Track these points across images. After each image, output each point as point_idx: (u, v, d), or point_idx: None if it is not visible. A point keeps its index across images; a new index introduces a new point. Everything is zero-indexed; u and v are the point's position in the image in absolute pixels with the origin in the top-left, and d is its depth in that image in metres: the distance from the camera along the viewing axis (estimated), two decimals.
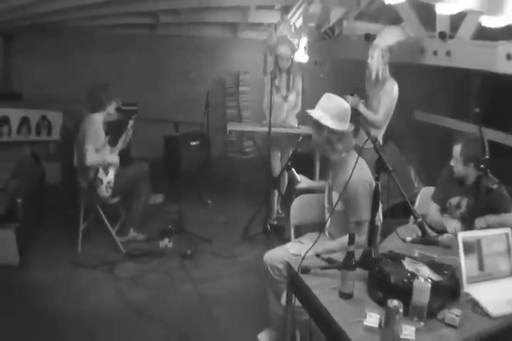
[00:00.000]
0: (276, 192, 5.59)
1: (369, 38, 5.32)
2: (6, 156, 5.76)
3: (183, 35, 7.46)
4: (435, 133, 6.48)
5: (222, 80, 7.97)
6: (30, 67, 6.90)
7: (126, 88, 6.73)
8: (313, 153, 6.75)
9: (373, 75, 4.55)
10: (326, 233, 3.35)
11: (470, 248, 2.51)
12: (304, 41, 6.55)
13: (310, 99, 6.09)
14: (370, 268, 2.35)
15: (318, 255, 2.59)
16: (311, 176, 7.01)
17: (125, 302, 4.00)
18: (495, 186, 3.02)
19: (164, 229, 5.19)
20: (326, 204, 3.37)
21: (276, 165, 5.57)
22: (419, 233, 2.68)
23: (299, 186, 3.65)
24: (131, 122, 4.87)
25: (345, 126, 3.12)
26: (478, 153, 3.05)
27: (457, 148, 3.35)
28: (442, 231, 3.32)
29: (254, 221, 5.37)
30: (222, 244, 5.14)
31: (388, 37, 4.50)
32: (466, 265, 2.46)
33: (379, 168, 2.39)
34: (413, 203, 5.45)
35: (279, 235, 5.30)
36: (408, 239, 2.25)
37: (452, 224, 3.27)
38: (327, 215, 3.34)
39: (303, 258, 2.52)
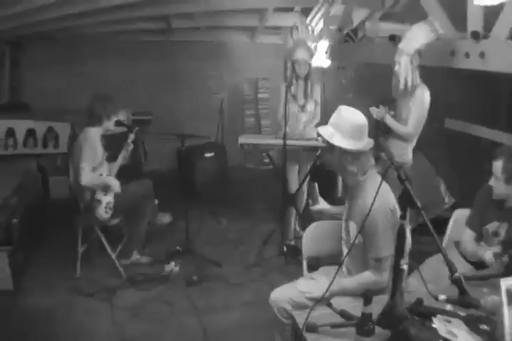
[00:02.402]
0: (293, 210, 5.12)
1: (394, 38, 4.87)
2: (11, 170, 5.50)
3: (198, 40, 7.12)
4: (466, 142, 5.97)
5: (240, 87, 7.56)
6: (38, 76, 6.67)
7: (138, 97, 6.54)
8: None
9: (401, 84, 4.11)
10: (343, 268, 2.89)
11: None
12: (325, 45, 6.14)
13: (332, 108, 5.72)
14: (391, 328, 1.88)
15: (330, 305, 2.13)
16: (333, 193, 6.62)
17: (121, 336, 3.62)
18: None
19: (171, 251, 4.77)
20: (343, 235, 2.90)
21: (293, 181, 5.10)
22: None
23: (313, 208, 3.19)
24: (131, 136, 4.47)
25: (361, 145, 2.67)
26: None
27: (498, 164, 2.86)
28: (478, 264, 2.88)
29: (269, 241, 4.92)
30: (233, 268, 4.69)
31: (415, 38, 4.03)
32: (509, 318, 1.97)
33: (405, 203, 1.91)
34: (444, 221, 5.01)
35: (296, 257, 4.85)
36: (442, 297, 1.77)
37: (489, 254, 2.79)
38: (344, 248, 2.90)
39: (311, 310, 2.07)
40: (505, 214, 2.97)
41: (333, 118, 2.72)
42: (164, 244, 5.04)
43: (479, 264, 2.93)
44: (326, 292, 2.43)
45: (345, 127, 2.64)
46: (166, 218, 5.54)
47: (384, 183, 2.70)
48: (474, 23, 3.97)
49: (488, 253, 2.80)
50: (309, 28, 5.18)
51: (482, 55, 3.89)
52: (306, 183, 5.08)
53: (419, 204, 1.86)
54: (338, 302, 2.23)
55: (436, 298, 1.80)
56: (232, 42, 7.28)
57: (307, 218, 4.98)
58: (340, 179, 6.46)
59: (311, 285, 2.80)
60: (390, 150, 2.08)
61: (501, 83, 5.76)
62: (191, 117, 7.07)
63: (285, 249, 4.75)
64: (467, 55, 4.06)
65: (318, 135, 2.75)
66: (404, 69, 4.05)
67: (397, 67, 4.11)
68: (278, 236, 4.90)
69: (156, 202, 5.26)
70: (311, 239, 3.19)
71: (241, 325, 3.79)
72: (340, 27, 6.08)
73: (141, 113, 6.37)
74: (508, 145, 3.58)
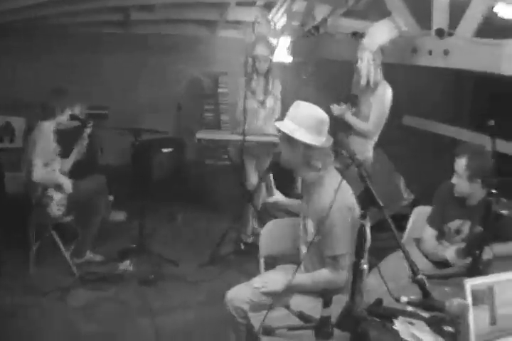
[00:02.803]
0: (251, 207, 5.02)
1: (356, 35, 4.81)
2: None
3: (158, 33, 6.88)
4: (426, 139, 5.98)
5: (199, 82, 7.40)
6: None
7: (95, 90, 6.30)
8: None
9: (363, 80, 4.07)
10: (302, 266, 2.81)
11: (480, 298, 1.98)
12: (287, 40, 6.07)
13: (290, 104, 5.64)
14: (351, 330, 1.80)
15: (288, 306, 2.05)
16: (291, 190, 6.52)
17: (74, 337, 3.50)
18: (506, 211, 2.53)
19: (125, 249, 4.62)
20: (301, 233, 2.81)
21: (252, 177, 5.02)
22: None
23: (268, 199, 3.10)
24: (87, 131, 4.31)
25: (323, 140, 2.59)
26: (487, 167, 2.70)
27: (461, 162, 2.84)
28: (440, 262, 2.86)
29: (226, 239, 4.79)
30: (189, 266, 4.57)
31: (378, 35, 3.99)
32: (475, 320, 1.92)
33: (366, 202, 1.83)
34: (403, 218, 4.98)
35: (254, 255, 4.77)
36: (404, 299, 1.69)
37: (451, 252, 2.78)
38: (301, 245, 2.81)
39: (267, 312, 1.98)
40: (467, 211, 2.95)
41: (292, 113, 2.63)
42: (118, 242, 4.88)
43: (440, 262, 2.90)
44: (282, 287, 2.42)
45: (308, 122, 2.56)
46: (119, 215, 5.38)
47: (342, 180, 2.66)
48: (439, 20, 3.93)
49: (449, 251, 2.77)
50: (271, 23, 5.09)
51: (446, 52, 3.86)
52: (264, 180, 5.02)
53: (380, 202, 1.78)
54: (297, 304, 2.14)
55: (398, 300, 1.72)
56: (193, 36, 7.09)
57: (265, 215, 4.94)
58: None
59: (266, 280, 2.73)
60: (351, 147, 1.98)
61: (462, 80, 5.77)
62: (149, 111, 6.83)
63: (242, 246, 4.65)
64: (430, 53, 4.03)
65: (279, 131, 2.64)
66: (367, 65, 4.01)
67: (359, 63, 4.06)
68: (235, 233, 4.82)
69: (111, 198, 5.11)
70: (269, 237, 3.09)
71: (196, 324, 3.69)
72: (303, 23, 6.01)
73: (97, 107, 6.17)
74: (471, 143, 3.56)
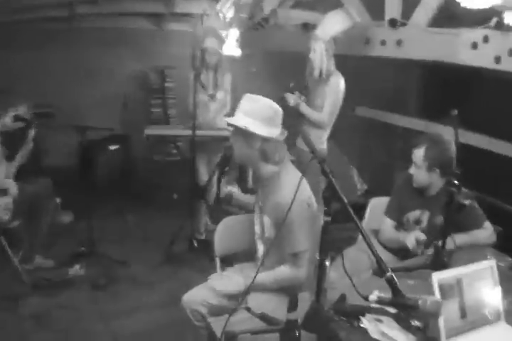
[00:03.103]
0: (203, 203, 4.91)
1: (307, 26, 4.75)
2: None
3: (103, 27, 6.68)
4: (378, 130, 5.95)
5: (146, 76, 7.20)
6: None
7: (40, 88, 6.05)
8: None
9: (316, 71, 4.00)
10: (258, 263, 2.71)
11: (449, 291, 1.92)
12: (236, 33, 5.94)
13: (240, 97, 5.51)
14: (318, 332, 1.70)
15: (248, 309, 1.93)
16: (243, 183, 6.41)
17: None
18: (468, 201, 2.48)
19: (75, 253, 4.44)
20: (257, 229, 2.70)
21: (203, 172, 4.89)
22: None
23: (222, 191, 2.98)
24: (32, 132, 4.11)
25: (278, 133, 2.50)
26: (446, 156, 2.68)
27: (419, 152, 2.81)
28: (400, 253, 2.82)
29: (178, 237, 4.64)
30: (141, 267, 4.40)
31: (331, 25, 3.93)
32: (444, 314, 1.84)
33: (329, 198, 1.73)
34: (356, 208, 4.93)
35: (208, 252, 4.65)
36: (372, 297, 1.59)
37: (411, 238, 2.71)
38: (258, 242, 2.71)
39: (229, 317, 1.86)
40: (426, 202, 2.92)
41: (244, 106, 2.50)
42: (68, 244, 4.67)
43: (401, 254, 2.84)
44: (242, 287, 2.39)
45: (262, 114, 2.44)
46: (66, 217, 5.19)
47: (296, 172, 2.56)
48: (392, 10, 3.92)
49: (410, 238, 2.70)
50: (220, 15, 4.95)
51: (399, 42, 3.83)
52: (216, 175, 4.90)
53: (345, 199, 1.69)
54: (257, 305, 2.03)
55: (366, 299, 1.62)
56: (139, 30, 6.94)
57: (218, 211, 4.82)
58: (251, 171, 6.34)
59: (224, 281, 2.61)
60: (312, 142, 1.87)
61: (414, 70, 5.75)
62: (96, 108, 6.61)
63: (195, 243, 4.53)
64: (383, 43, 3.99)
65: (230, 125, 2.52)
66: (319, 56, 3.94)
67: (311, 54, 3.99)
68: (188, 230, 4.66)
69: (58, 200, 4.90)
70: (224, 235, 2.96)
71: (154, 327, 3.55)
72: (251, 15, 5.90)
73: (42, 105, 5.90)
74: (429, 133, 3.51)
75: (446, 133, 2.85)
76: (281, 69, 5.68)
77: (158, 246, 4.67)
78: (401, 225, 3.02)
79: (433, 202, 2.86)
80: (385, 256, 2.98)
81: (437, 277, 1.91)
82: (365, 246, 1.75)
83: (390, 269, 1.57)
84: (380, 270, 1.57)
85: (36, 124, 4.19)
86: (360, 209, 4.92)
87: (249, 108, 2.48)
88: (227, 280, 2.61)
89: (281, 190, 2.40)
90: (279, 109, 2.51)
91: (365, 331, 1.78)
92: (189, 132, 4.36)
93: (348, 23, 3.94)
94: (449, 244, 2.58)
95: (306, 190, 2.49)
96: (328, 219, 1.70)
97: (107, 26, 6.70)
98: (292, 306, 1.69)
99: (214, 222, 5.07)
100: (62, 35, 6.46)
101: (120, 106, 6.41)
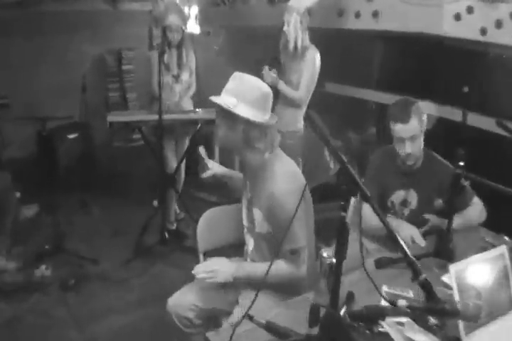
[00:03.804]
0: (173, 191, 4.63)
1: (273, 0, 4.48)
2: None
3: (55, 10, 6.26)
4: (349, 106, 5.73)
5: (102, 59, 6.84)
6: None
7: None
8: (211, 138, 5.92)
9: (291, 45, 3.73)
10: (248, 259, 2.46)
11: (464, 284, 1.73)
12: (194, 9, 5.64)
13: (204, 77, 5.21)
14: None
15: (251, 317, 1.69)
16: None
17: None
18: (467, 183, 2.29)
19: (39, 252, 4.12)
20: (245, 223, 2.44)
21: (171, 159, 4.61)
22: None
23: (205, 175, 2.63)
24: None
25: (267, 116, 2.22)
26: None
27: (402, 127, 2.55)
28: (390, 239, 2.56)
29: (148, 228, 4.37)
30: (111, 263, 4.10)
31: None
32: None
33: (348, 191, 1.47)
34: (330, 188, 4.75)
35: (180, 243, 4.44)
36: (402, 303, 1.36)
37: (406, 234, 2.49)
38: (247, 237, 2.45)
39: (233, 332, 1.62)
40: (409, 179, 2.72)
41: (231, 85, 2.22)
42: (32, 243, 4.34)
43: (391, 244, 2.62)
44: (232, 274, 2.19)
45: (251, 96, 2.16)
46: (31, 210, 4.84)
47: (292, 162, 2.31)
48: None
49: (404, 234, 2.48)
50: None
51: (375, 14, 3.61)
52: (184, 162, 4.63)
53: (368, 192, 1.44)
54: (259, 312, 1.78)
55: (394, 304, 1.39)
56: (92, 11, 6.51)
57: (187, 198, 4.67)
58: (217, 152, 6.09)
59: (212, 268, 2.25)
60: (324, 127, 1.59)
61: (384, 42, 5.54)
62: (53, 96, 6.23)
63: (167, 235, 4.26)
64: (357, 15, 3.76)
65: (219, 107, 2.19)
66: (294, 29, 3.68)
67: (285, 27, 3.72)
68: (158, 221, 4.34)
69: (18, 195, 4.57)
70: (207, 229, 2.68)
71: (129, 330, 3.28)
72: None
73: None
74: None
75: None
76: (246, 46, 5.40)
77: (128, 240, 4.40)
78: (386, 210, 2.81)
79: (417, 179, 2.69)
80: (373, 247, 2.79)
81: (454, 269, 1.70)
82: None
83: (422, 273, 1.33)
84: (413, 273, 1.34)
85: None
86: (333, 190, 4.76)
87: (234, 87, 2.20)
88: (215, 268, 2.25)
89: (275, 180, 2.15)
90: (269, 91, 2.23)
91: (387, 337, 1.57)
92: (155, 117, 4.03)
93: None
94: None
95: (301, 179, 2.25)
96: (345, 215, 1.44)
97: (59, 10, 6.29)
98: (314, 319, 1.45)
99: (184, 211, 4.84)
100: (14, 22, 6.03)
101: (78, 93, 6.03)
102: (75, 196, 5.24)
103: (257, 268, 2.20)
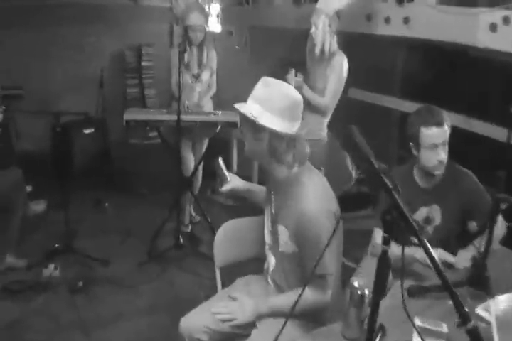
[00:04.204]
0: (189, 193, 4.54)
1: (299, 1, 4.35)
2: None
3: (75, 2, 6.17)
4: (373, 114, 5.58)
5: (121, 55, 6.74)
6: None
7: (8, 69, 5.60)
8: (230, 139, 5.80)
9: (318, 49, 3.54)
10: (269, 280, 2.33)
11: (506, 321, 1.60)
12: (217, 8, 5.52)
13: (225, 78, 5.10)
14: None
15: None
16: (227, 167, 6.04)
17: None
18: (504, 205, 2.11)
19: (49, 250, 4.02)
20: (268, 240, 2.29)
21: (189, 161, 4.51)
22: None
23: (223, 189, 2.48)
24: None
25: (297, 127, 2.07)
26: None
27: (432, 130, 2.41)
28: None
29: (162, 231, 4.27)
30: (122, 266, 3.99)
31: None
32: None
33: (391, 223, 1.34)
34: (351, 198, 4.61)
35: (194, 247, 4.32)
36: None
37: (465, 258, 2.29)
38: (269, 254, 2.31)
39: None
40: (431, 194, 2.56)
41: (257, 93, 2.07)
42: (41, 241, 4.25)
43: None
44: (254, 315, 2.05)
45: (279, 104, 2.01)
46: (39, 206, 4.74)
47: (322, 176, 2.18)
48: None
49: (463, 257, 2.31)
50: None
51: (406, 20, 3.46)
52: (202, 164, 4.53)
53: (415, 224, 1.30)
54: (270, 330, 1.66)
55: None
56: (112, 5, 6.43)
57: (203, 200, 4.53)
58: (235, 154, 5.98)
59: (231, 308, 2.18)
60: (367, 146, 1.44)
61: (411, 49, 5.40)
62: (69, 89, 6.18)
63: (181, 239, 4.12)
64: (387, 21, 3.62)
65: (244, 116, 2.05)
66: (322, 32, 3.50)
67: (313, 30, 3.55)
68: (173, 223, 4.19)
69: (29, 189, 4.48)
70: (226, 242, 2.54)
71: (140, 338, 3.19)
72: None
73: (10, 87, 5.47)
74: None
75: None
76: (270, 47, 5.27)
77: (141, 241, 4.31)
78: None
79: (439, 193, 2.53)
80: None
81: (495, 305, 1.59)
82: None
83: (471, 319, 1.20)
84: (459, 317, 1.21)
85: (3, 110, 3.72)
86: (354, 200, 4.62)
87: (261, 94, 2.05)
88: (235, 307, 2.18)
89: (305, 198, 2.00)
90: (299, 99, 2.08)
91: None
92: (174, 117, 3.93)
93: None
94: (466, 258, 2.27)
95: (333, 199, 2.11)
96: (387, 248, 1.32)
97: (80, 2, 6.21)
98: None
99: (200, 214, 4.74)
100: (33, 12, 5.97)
101: (95, 87, 5.94)
102: (89, 193, 5.16)
103: (281, 302, 2.09)
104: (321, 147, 3.79)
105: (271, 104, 2.01)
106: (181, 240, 4.11)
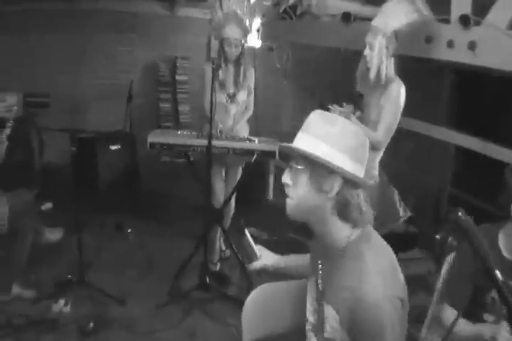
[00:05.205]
0: (218, 227, 4.13)
1: (348, 18, 3.96)
2: None
3: (108, 10, 5.99)
4: (419, 144, 5.11)
5: (155, 67, 6.44)
6: None
7: (35, 75, 5.48)
8: (266, 162, 5.42)
9: (373, 74, 3.11)
10: None
11: None
12: (257, 22, 5.16)
13: (263, 99, 4.71)
14: None
15: None
16: (262, 194, 5.68)
17: None
18: None
19: (60, 281, 3.67)
20: (310, 317, 1.82)
21: (220, 190, 4.12)
22: None
23: (253, 266, 2.05)
24: (6, 131, 3.36)
25: (362, 171, 1.64)
26: None
27: None
28: None
29: (188, 267, 3.86)
30: (139, 307, 3.56)
31: (394, 15, 3.06)
32: None
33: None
34: (396, 237, 4.22)
35: (222, 289, 3.88)
36: None
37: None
38: (310, 335, 1.83)
39: None
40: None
41: (316, 128, 1.61)
42: (53, 270, 3.90)
43: None
44: None
45: (345, 143, 1.58)
46: (55, 234, 4.34)
47: (385, 245, 1.72)
48: (461, 4, 3.09)
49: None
50: None
51: (472, 45, 3.02)
52: (234, 195, 4.13)
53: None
54: None
55: None
56: (148, 14, 6.22)
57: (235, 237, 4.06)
58: (271, 179, 5.61)
59: None
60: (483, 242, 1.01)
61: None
62: (97, 100, 6.00)
63: (208, 279, 3.69)
64: (450, 44, 3.18)
65: (300, 156, 1.60)
66: (378, 54, 3.05)
67: (367, 51, 3.11)
68: (199, 257, 3.79)
69: (50, 206, 4.16)
70: (257, 312, 2.11)
71: None
72: (277, 2, 5.11)
73: (37, 94, 5.21)
74: None
75: None
76: (314, 67, 4.88)
77: (163, 278, 3.89)
78: (483, 308, 2.09)
79: None
80: None
81: None
82: None
83: None
84: None
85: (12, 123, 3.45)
86: (400, 240, 4.17)
87: (321, 129, 1.59)
88: None
89: (364, 278, 1.52)
90: (365, 136, 1.65)
91: None
92: (204, 142, 3.55)
93: (413, 15, 3.11)
94: None
95: (400, 278, 1.64)
96: None
97: (111, 9, 6.03)
98: None
99: (229, 248, 4.34)
100: (63, 17, 5.77)
101: (124, 99, 5.63)
102: (111, 215, 4.81)
103: None
104: (372, 188, 3.32)
105: (337, 142, 1.57)
106: (207, 280, 3.70)
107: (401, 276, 1.64)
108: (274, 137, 3.93)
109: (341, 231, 1.64)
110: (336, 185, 1.57)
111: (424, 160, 4.84)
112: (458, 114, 4.76)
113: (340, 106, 3.11)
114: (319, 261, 1.77)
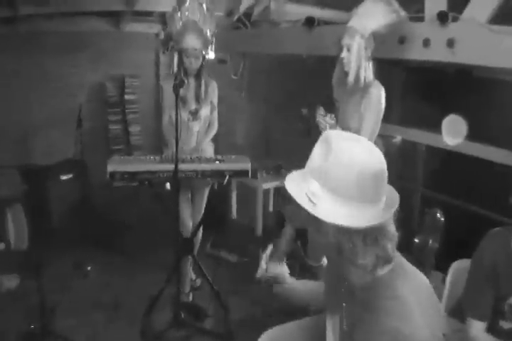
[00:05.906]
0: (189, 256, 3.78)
1: (312, 22, 3.73)
2: None
3: (52, 30, 5.61)
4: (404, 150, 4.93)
5: (102, 87, 6.06)
6: None
7: None
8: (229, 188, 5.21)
9: (351, 77, 2.93)
10: None
11: None
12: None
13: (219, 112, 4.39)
14: None
15: None
16: (226, 214, 5.43)
17: None
18: None
19: (23, 333, 3.25)
20: None
21: (187, 217, 3.79)
22: None
23: (267, 272, 1.77)
24: None
25: (377, 208, 1.35)
26: None
27: None
28: None
29: (157, 304, 3.48)
30: None
31: (372, 16, 2.88)
32: None
33: None
34: None
35: (198, 324, 3.53)
36: None
37: None
38: None
39: None
40: None
41: (318, 162, 1.35)
42: (14, 320, 3.46)
43: None
44: None
45: (347, 181, 1.30)
46: (11, 282, 3.94)
47: (424, 279, 1.46)
48: (435, 1, 2.96)
49: None
50: (203, 6, 3.79)
51: (451, 42, 2.84)
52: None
53: None
54: None
55: None
56: (94, 33, 5.87)
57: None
58: (234, 197, 5.39)
59: None
60: None
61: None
62: (47, 125, 5.59)
63: (182, 314, 3.35)
64: (426, 43, 2.99)
65: (296, 199, 1.33)
66: (357, 55, 2.88)
67: (345, 53, 2.92)
68: (170, 290, 3.44)
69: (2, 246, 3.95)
70: None
71: None
72: (229, 11, 4.83)
73: None
74: None
75: None
76: (274, 78, 4.61)
77: (133, 317, 3.50)
78: (500, 316, 2.01)
79: None
80: None
81: None
82: None
83: None
84: None
85: None
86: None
87: (321, 164, 1.34)
88: None
89: (402, 317, 1.28)
90: (383, 170, 1.34)
91: None
92: (169, 167, 3.20)
93: (391, 15, 2.89)
94: None
95: (439, 315, 1.44)
96: None
97: (55, 30, 5.67)
98: None
99: (201, 276, 3.98)
100: (4, 41, 5.36)
101: (73, 125, 5.24)
102: (68, 253, 4.38)
103: None
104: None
105: (335, 181, 1.31)
106: (182, 315, 3.35)
107: (439, 310, 1.49)
108: (232, 151, 3.65)
109: (357, 274, 1.42)
110: (329, 230, 1.35)
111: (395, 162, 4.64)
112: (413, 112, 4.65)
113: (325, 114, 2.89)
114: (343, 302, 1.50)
